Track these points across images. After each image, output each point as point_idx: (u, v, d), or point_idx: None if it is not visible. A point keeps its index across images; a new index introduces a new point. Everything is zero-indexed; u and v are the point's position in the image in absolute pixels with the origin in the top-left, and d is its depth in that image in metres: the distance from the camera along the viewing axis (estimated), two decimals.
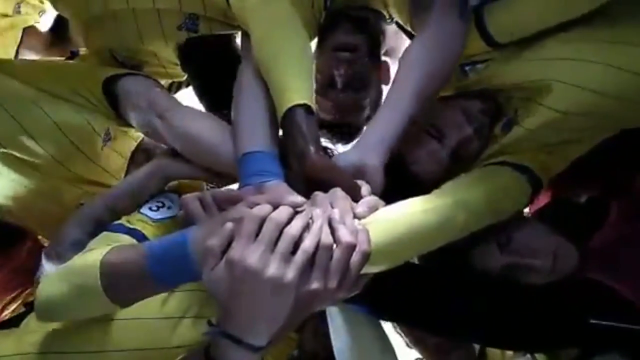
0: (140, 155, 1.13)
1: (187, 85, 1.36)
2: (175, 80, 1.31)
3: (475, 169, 0.89)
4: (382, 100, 0.89)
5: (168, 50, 1.14)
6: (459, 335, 0.93)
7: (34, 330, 0.80)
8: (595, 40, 0.84)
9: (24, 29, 1.48)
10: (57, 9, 1.22)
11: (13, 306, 1.14)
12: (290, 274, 0.55)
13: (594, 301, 0.83)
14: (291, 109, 0.76)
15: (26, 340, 0.80)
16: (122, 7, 1.06)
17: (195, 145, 0.90)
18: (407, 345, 1.14)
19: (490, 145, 0.93)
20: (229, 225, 0.58)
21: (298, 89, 0.79)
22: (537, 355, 0.96)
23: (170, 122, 0.93)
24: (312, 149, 0.74)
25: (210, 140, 0.89)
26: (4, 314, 1.11)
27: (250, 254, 0.55)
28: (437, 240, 0.74)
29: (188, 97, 1.31)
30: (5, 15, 1.48)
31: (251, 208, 0.60)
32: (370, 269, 0.65)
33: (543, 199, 1.12)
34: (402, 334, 1.15)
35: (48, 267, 0.88)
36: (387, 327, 1.00)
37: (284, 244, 0.56)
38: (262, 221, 0.57)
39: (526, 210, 1.05)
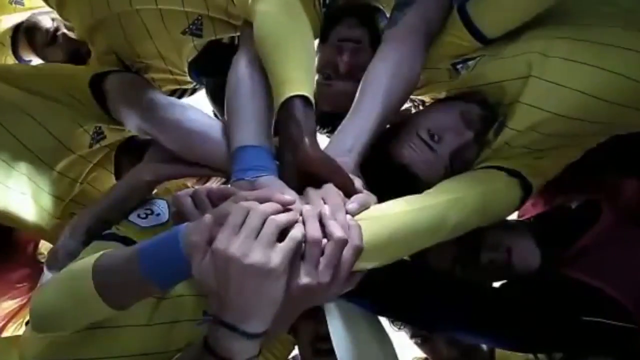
0: (129, 152, 1.12)
1: (190, 94, 1.35)
2: (181, 87, 1.30)
3: (469, 171, 0.88)
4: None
5: (174, 55, 1.13)
6: (450, 332, 0.94)
7: (32, 339, 0.77)
8: (586, 40, 0.83)
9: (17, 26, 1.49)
10: (61, 16, 1.22)
11: (14, 324, 1.14)
12: (276, 258, 0.55)
13: (583, 302, 0.83)
14: (289, 100, 0.75)
15: (26, 349, 0.77)
16: (125, 10, 1.05)
17: (182, 137, 0.89)
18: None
19: (483, 149, 0.92)
20: (208, 217, 0.58)
21: (297, 80, 0.77)
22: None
23: (154, 115, 0.92)
24: (307, 141, 0.72)
25: (197, 131, 0.88)
26: (9, 324, 1.11)
27: (232, 243, 0.55)
28: (428, 239, 0.74)
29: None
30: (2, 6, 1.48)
31: None
32: (363, 266, 0.65)
33: (536, 207, 1.13)
34: (415, 345, 1.17)
35: (47, 277, 0.87)
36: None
37: (267, 230, 0.56)
38: (248, 213, 0.57)
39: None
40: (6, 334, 1.26)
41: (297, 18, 0.85)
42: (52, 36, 1.45)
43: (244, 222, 0.57)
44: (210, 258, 0.56)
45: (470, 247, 0.92)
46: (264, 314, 0.58)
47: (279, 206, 0.60)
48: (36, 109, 1.02)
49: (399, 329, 1.14)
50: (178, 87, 1.28)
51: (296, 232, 0.58)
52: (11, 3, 1.57)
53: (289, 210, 0.61)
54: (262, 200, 0.61)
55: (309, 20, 0.89)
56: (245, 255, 0.54)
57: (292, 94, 0.75)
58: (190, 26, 1.07)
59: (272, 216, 0.58)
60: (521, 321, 0.83)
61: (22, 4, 1.57)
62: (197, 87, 1.31)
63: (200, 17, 1.06)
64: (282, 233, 0.58)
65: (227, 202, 0.63)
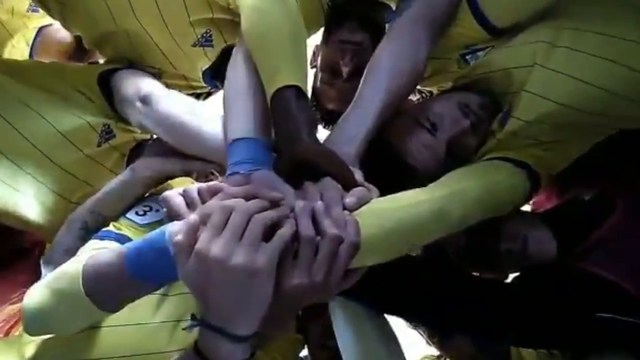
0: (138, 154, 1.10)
1: (205, 98, 1.34)
2: (196, 92, 1.29)
3: (473, 163, 0.86)
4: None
5: (187, 66, 1.13)
6: (462, 331, 0.92)
7: (30, 341, 0.78)
8: (592, 31, 0.81)
9: (40, 29, 1.48)
10: (68, 29, 1.22)
11: (19, 328, 1.14)
12: (261, 259, 0.53)
13: (598, 296, 0.81)
14: (279, 92, 0.73)
15: (23, 350, 0.78)
16: (133, 28, 1.05)
17: (178, 129, 0.88)
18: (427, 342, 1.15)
19: (488, 140, 0.90)
20: (193, 217, 0.56)
21: (288, 70, 0.75)
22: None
23: (153, 106, 0.92)
24: (303, 132, 0.70)
25: (193, 124, 0.87)
26: (13, 329, 1.12)
27: (214, 244, 0.53)
28: (430, 233, 0.71)
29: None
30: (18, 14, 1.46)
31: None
32: (363, 262, 0.63)
33: (550, 200, 1.11)
34: (432, 343, 1.15)
35: (43, 274, 0.88)
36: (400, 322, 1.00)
37: (251, 229, 0.54)
38: (231, 212, 0.55)
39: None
40: None
41: (285, 6, 0.83)
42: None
43: (227, 221, 0.55)
44: (193, 260, 0.54)
45: (487, 237, 0.91)
46: (251, 316, 0.56)
47: (265, 203, 0.58)
48: (43, 105, 1.02)
49: (414, 327, 1.13)
50: (193, 91, 1.28)
51: (284, 231, 0.56)
52: (27, 11, 1.59)
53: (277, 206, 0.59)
54: (249, 197, 0.58)
55: (311, 9, 0.88)
56: (227, 257, 0.52)
57: (281, 85, 0.73)
58: (200, 39, 1.06)
59: (257, 214, 0.56)
60: (534, 319, 0.81)
61: (38, 11, 1.58)
62: (212, 90, 1.30)
63: (209, 30, 1.06)
64: (272, 231, 0.56)
65: (213, 200, 0.60)
